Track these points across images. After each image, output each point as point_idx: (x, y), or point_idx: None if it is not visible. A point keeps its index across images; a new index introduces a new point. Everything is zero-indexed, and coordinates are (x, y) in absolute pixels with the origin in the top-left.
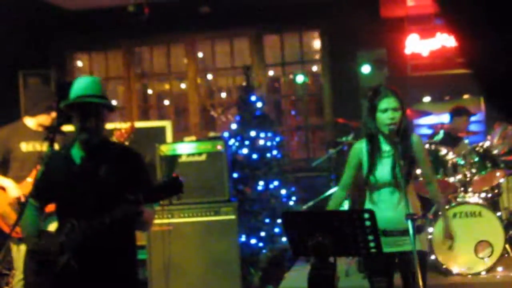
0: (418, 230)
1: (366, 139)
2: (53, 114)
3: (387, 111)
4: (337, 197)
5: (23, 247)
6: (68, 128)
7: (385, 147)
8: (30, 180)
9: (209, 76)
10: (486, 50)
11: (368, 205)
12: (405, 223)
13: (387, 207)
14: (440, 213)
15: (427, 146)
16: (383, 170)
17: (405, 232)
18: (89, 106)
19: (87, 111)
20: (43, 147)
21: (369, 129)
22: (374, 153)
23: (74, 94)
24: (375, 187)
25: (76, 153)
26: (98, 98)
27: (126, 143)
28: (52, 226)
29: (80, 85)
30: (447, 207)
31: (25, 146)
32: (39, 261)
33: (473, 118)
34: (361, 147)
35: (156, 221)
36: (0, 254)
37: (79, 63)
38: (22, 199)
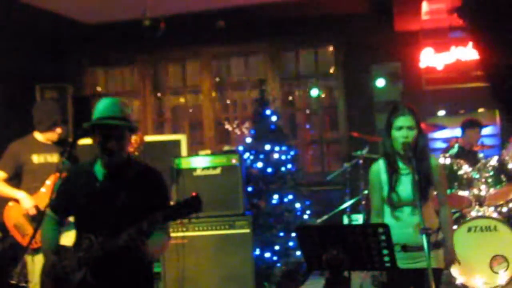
0: (436, 245)
1: (383, 157)
2: (58, 131)
3: (401, 129)
4: None
5: (37, 258)
6: (84, 141)
7: (403, 165)
8: (43, 190)
9: (224, 90)
10: (507, 64)
11: (389, 221)
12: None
13: (409, 224)
14: (443, 237)
15: (441, 160)
16: (406, 188)
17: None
18: (111, 128)
19: (109, 134)
20: (54, 158)
21: (385, 147)
22: (393, 171)
23: (97, 115)
24: (398, 205)
25: (99, 170)
26: (120, 120)
27: (136, 153)
28: (68, 236)
29: (103, 107)
30: (461, 221)
31: (37, 158)
32: (56, 275)
33: (488, 132)
34: (378, 167)
35: (171, 234)
36: (17, 266)
37: (95, 77)
38: (34, 212)
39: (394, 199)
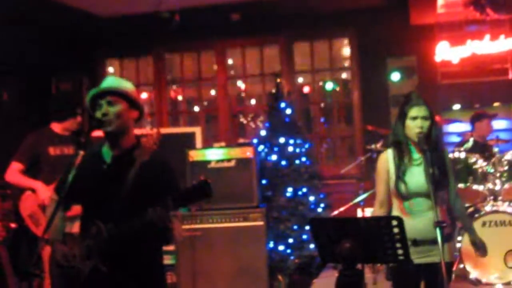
0: (447, 238)
1: (393, 146)
2: (79, 119)
3: (416, 119)
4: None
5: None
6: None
7: (415, 155)
8: None
9: (239, 83)
10: None
11: (397, 214)
12: (435, 232)
13: (419, 216)
14: (464, 227)
15: (456, 154)
16: (417, 179)
17: (435, 241)
18: (105, 94)
19: (101, 100)
20: (71, 150)
21: (396, 136)
22: (403, 160)
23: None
24: (407, 196)
25: (107, 152)
26: (115, 89)
27: (154, 147)
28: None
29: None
30: (476, 215)
31: (53, 150)
32: (66, 265)
33: (503, 126)
34: (386, 157)
35: (185, 226)
36: (33, 256)
37: (111, 69)
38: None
39: (401, 190)
